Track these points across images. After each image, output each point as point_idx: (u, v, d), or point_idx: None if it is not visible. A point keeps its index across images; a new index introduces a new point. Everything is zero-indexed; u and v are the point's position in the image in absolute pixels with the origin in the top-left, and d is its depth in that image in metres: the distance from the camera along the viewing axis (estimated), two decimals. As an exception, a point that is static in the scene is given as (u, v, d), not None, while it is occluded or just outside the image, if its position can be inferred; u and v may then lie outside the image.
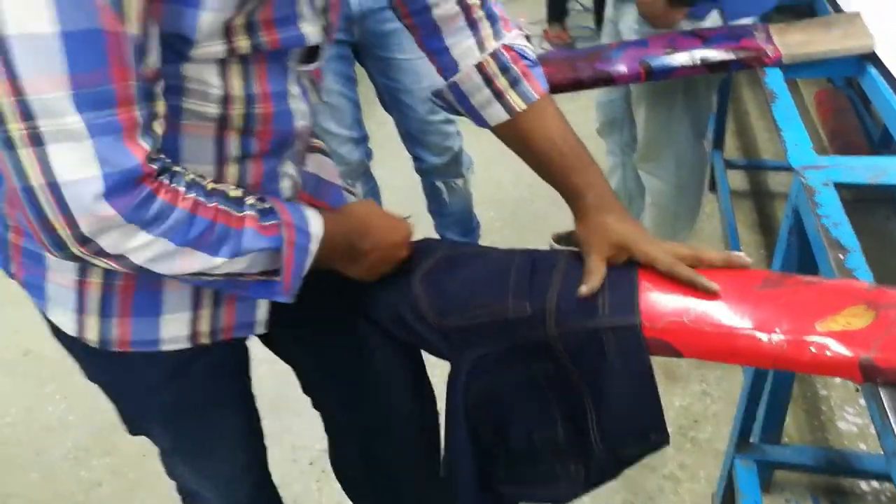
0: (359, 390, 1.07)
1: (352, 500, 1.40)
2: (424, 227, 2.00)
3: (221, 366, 0.90)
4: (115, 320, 0.76)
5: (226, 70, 0.66)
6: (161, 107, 0.63)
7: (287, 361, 1.08)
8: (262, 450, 1.08)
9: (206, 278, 0.68)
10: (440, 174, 1.90)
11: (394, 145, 2.01)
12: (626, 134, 1.91)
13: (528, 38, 0.85)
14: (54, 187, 0.57)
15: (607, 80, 1.42)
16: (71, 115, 0.56)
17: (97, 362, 0.86)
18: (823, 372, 0.69)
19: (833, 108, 2.32)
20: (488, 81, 0.82)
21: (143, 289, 0.76)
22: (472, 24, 0.82)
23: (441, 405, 1.02)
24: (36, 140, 0.56)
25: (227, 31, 0.63)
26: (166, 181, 0.62)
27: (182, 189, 0.63)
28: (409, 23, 0.86)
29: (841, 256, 0.83)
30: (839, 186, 0.97)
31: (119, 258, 0.62)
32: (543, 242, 0.89)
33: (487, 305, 0.79)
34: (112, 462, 1.68)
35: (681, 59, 1.38)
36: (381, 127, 2.15)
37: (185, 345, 0.79)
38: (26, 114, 0.55)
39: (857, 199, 1.82)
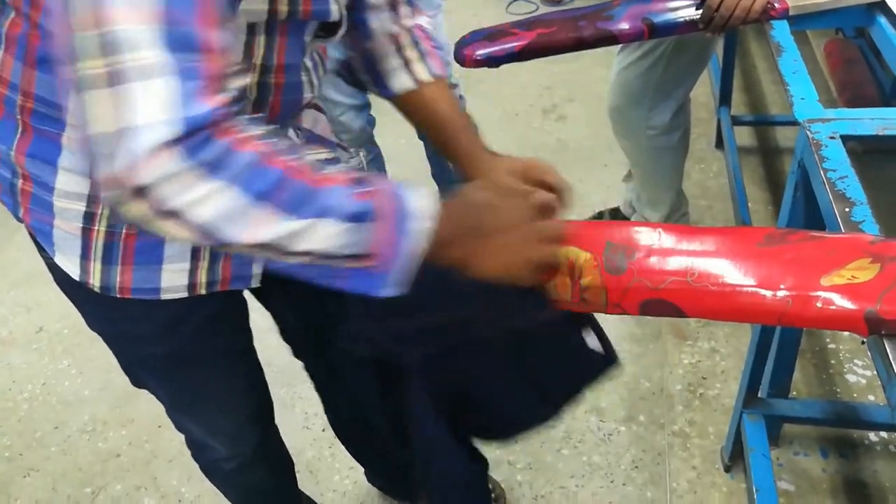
0: (324, 338, 1.07)
1: (357, 460, 1.42)
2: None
3: (218, 318, 0.92)
4: (118, 268, 0.79)
5: (252, 40, 0.70)
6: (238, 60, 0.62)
7: (269, 309, 1.09)
8: (266, 404, 1.10)
9: (293, 258, 0.60)
10: (443, 139, 1.88)
11: (395, 112, 1.98)
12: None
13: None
14: (125, 133, 0.52)
15: (610, 39, 1.40)
16: (157, 49, 0.51)
17: (98, 310, 0.89)
18: (829, 326, 0.69)
19: (842, 60, 2.27)
20: (399, 51, 0.91)
21: (146, 238, 0.78)
22: (393, 5, 0.91)
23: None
24: (115, 78, 0.51)
25: None
26: (233, 127, 0.56)
27: (250, 135, 0.57)
28: None
29: (847, 210, 0.83)
30: (849, 139, 0.96)
31: (180, 215, 0.55)
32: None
33: (425, 314, 0.82)
34: (129, 433, 1.71)
35: (684, 14, 1.35)
36: (383, 93, 2.12)
37: (182, 294, 0.82)
38: (109, 47, 0.51)
39: (868, 150, 1.79)
